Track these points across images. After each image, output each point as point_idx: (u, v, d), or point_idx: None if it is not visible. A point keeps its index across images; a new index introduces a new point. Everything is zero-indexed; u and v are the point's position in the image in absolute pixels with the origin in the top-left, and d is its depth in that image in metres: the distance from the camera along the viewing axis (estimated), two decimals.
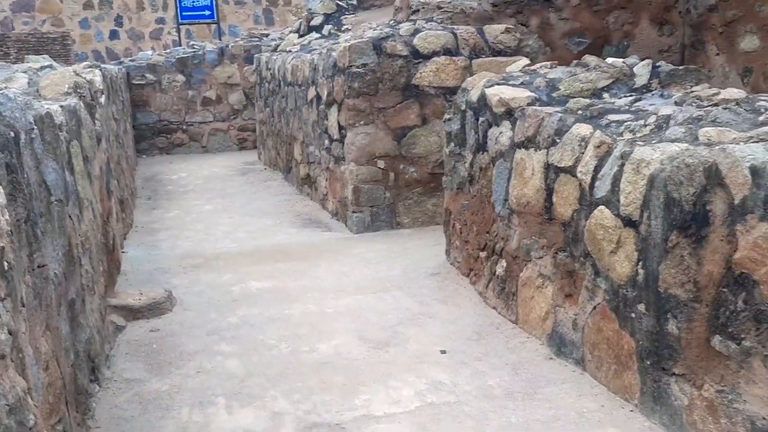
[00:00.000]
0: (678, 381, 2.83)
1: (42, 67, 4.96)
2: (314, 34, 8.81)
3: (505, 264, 4.20)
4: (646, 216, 2.96)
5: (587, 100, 3.88)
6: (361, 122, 6.06)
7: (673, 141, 3.01)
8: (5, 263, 1.83)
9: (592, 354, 3.38)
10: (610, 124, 3.49)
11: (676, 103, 3.59)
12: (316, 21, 8.99)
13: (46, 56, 5.71)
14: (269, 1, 19.10)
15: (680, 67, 4.28)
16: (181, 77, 11.93)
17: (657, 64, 4.36)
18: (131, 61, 12.23)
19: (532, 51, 6.12)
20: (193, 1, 14.20)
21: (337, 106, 6.34)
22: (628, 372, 3.13)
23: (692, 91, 3.69)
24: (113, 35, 18.81)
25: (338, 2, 9.12)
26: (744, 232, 2.48)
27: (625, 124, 3.39)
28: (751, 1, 5.97)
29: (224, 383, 3.54)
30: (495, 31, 6.15)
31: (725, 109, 3.15)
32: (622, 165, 3.12)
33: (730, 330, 2.55)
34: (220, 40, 14.18)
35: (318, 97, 6.98)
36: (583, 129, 3.50)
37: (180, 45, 14.73)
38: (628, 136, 3.28)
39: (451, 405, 3.21)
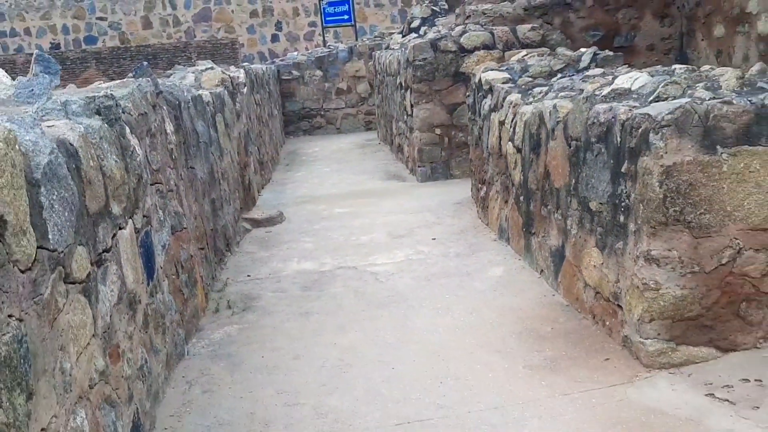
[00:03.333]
0: (533, 237, 4.94)
1: (205, 69, 7.67)
2: (413, 35, 11.09)
3: (485, 189, 6.36)
4: (524, 145, 5.07)
5: (530, 79, 5.96)
6: (423, 101, 8.34)
7: (545, 101, 5.08)
8: (174, 154, 4.35)
9: (511, 233, 5.52)
10: (532, 93, 5.57)
11: (582, 80, 5.60)
12: (415, 24, 11.29)
13: (209, 61, 8.46)
14: (404, 2, 21.63)
15: (611, 54, 6.24)
16: (319, 72, 14.68)
17: (598, 52, 6.32)
18: (281, 60, 15.15)
19: (556, 43, 8.07)
20: (335, 8, 16.96)
21: (409, 90, 8.65)
22: (521, 239, 5.25)
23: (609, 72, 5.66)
24: (274, 39, 22.13)
25: (433, 8, 11.36)
26: (551, 147, 4.57)
27: (535, 92, 5.48)
28: None
29: (300, 253, 6.01)
30: (524, 29, 8.20)
31: (584, 81, 5.17)
32: (517, 116, 5.24)
33: (545, 202, 4.65)
34: (356, 40, 16.83)
35: (401, 83, 9.33)
36: (513, 97, 5.61)
37: (326, 45, 17.55)
38: (531, 99, 5.37)
39: (421, 259, 5.49)
